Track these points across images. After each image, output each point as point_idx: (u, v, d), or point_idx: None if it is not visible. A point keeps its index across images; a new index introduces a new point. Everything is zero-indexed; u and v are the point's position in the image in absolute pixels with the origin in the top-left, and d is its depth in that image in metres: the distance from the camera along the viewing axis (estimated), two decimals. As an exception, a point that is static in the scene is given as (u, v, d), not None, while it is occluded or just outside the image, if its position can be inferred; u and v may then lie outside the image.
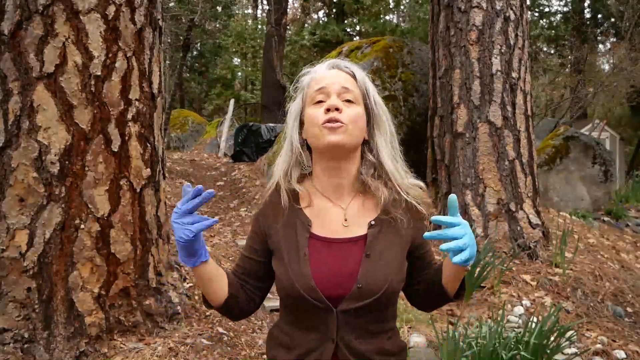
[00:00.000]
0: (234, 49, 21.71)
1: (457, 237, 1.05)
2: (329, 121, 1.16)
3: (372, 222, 1.21)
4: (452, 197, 1.07)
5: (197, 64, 24.78)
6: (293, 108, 1.27)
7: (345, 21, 20.82)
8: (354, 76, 1.23)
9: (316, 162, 1.24)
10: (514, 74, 4.76)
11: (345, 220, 1.21)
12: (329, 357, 1.15)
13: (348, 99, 1.19)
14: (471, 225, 4.46)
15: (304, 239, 1.19)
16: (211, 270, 1.17)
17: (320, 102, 1.19)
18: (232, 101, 13.89)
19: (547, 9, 20.58)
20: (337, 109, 1.16)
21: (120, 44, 2.64)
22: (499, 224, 4.46)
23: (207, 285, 1.19)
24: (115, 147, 2.61)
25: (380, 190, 1.21)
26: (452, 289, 1.21)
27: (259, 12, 25.21)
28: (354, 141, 1.18)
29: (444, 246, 1.05)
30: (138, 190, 2.73)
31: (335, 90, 1.19)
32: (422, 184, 1.26)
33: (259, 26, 22.69)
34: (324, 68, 1.25)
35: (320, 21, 21.91)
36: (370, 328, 1.18)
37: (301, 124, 1.25)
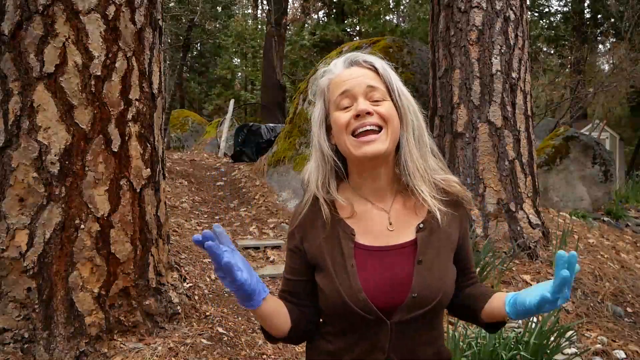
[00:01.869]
0: (234, 49, 21.73)
1: (561, 294, 0.94)
2: (363, 132, 1.07)
3: (421, 226, 1.13)
4: (573, 254, 0.93)
5: (197, 64, 24.82)
6: (316, 114, 1.18)
7: (345, 21, 20.85)
8: (375, 70, 1.13)
9: (351, 168, 1.16)
10: (514, 74, 4.76)
11: (390, 224, 1.14)
12: None
13: (376, 98, 1.10)
14: (471, 226, 4.46)
15: (349, 249, 1.11)
16: (271, 305, 1.10)
17: (346, 108, 1.10)
18: (232, 101, 13.92)
19: (547, 9, 20.62)
20: (368, 113, 1.08)
21: (120, 44, 2.64)
22: (499, 224, 4.46)
23: (269, 320, 1.12)
24: (115, 147, 2.62)
25: (422, 189, 1.13)
26: (488, 320, 1.15)
27: (259, 12, 25.24)
28: (391, 145, 1.10)
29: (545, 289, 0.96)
30: (138, 190, 2.73)
31: (360, 91, 1.10)
32: (455, 178, 1.19)
33: (259, 26, 22.71)
34: (342, 66, 1.15)
35: (320, 21, 21.93)
36: (422, 338, 1.12)
37: (327, 128, 1.17)
